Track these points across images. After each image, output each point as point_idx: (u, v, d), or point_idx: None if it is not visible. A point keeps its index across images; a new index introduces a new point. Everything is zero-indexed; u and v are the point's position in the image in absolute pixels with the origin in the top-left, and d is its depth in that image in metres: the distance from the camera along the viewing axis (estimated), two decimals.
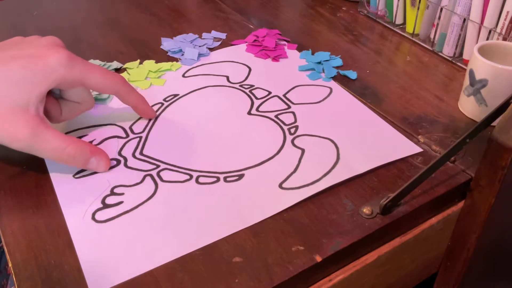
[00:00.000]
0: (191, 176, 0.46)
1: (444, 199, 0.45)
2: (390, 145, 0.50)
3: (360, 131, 0.51)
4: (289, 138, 0.50)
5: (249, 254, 0.39)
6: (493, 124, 0.45)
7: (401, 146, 0.49)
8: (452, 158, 0.48)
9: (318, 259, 0.38)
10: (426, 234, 0.46)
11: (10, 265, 0.38)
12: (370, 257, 0.42)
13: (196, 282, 0.37)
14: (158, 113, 0.54)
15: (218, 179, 0.45)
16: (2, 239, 0.40)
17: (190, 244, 0.39)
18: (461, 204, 0.47)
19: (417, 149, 0.49)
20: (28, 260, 0.38)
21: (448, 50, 0.64)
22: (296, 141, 0.50)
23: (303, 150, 0.49)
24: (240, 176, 0.46)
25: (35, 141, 0.41)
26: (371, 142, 0.50)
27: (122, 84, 0.47)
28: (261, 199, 0.43)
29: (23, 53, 0.42)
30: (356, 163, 0.47)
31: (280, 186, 0.45)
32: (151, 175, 0.46)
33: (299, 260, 0.38)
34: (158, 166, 0.47)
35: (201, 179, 0.45)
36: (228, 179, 0.45)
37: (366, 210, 0.42)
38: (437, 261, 0.51)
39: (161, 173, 0.46)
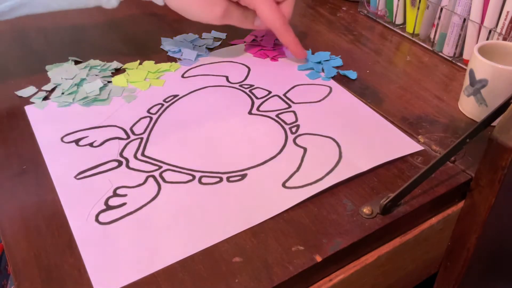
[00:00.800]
0: (193, 177, 0.46)
1: (444, 199, 0.45)
2: (391, 143, 0.50)
3: (361, 129, 0.52)
4: (290, 137, 0.50)
5: (249, 254, 0.39)
6: (493, 124, 0.45)
7: (402, 144, 0.50)
8: (452, 158, 0.48)
9: (318, 259, 0.38)
10: (426, 234, 0.46)
11: (10, 265, 0.38)
12: (370, 257, 0.42)
13: (196, 282, 0.37)
14: (158, 114, 0.54)
15: (221, 179, 0.45)
16: (2, 239, 0.40)
17: (195, 245, 0.39)
18: (461, 204, 0.47)
19: (418, 147, 0.49)
20: (28, 260, 0.38)
21: (448, 50, 0.64)
22: (298, 140, 0.50)
23: (305, 149, 0.49)
24: (243, 176, 0.46)
25: (227, 17, 0.56)
26: (372, 140, 0.50)
27: (281, 24, 0.57)
28: (265, 199, 0.43)
29: None
30: (359, 161, 0.47)
31: (284, 185, 0.45)
32: (153, 176, 0.46)
33: (299, 260, 0.38)
34: (160, 167, 0.47)
35: (204, 180, 0.45)
36: (231, 179, 0.45)
37: (366, 210, 0.42)
38: (437, 261, 0.51)
39: (164, 174, 0.46)
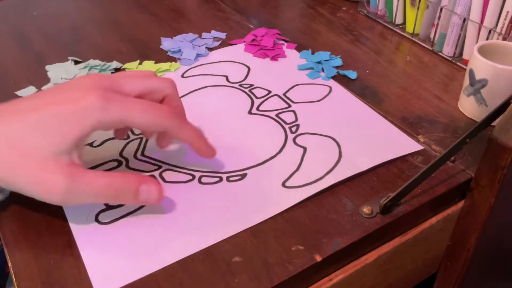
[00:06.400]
0: (193, 177, 0.46)
1: (444, 199, 0.45)
2: (391, 142, 0.50)
3: (360, 128, 0.52)
4: (290, 136, 0.50)
5: (249, 254, 0.39)
6: (493, 124, 0.45)
7: (402, 143, 0.50)
8: (452, 158, 0.48)
9: (318, 258, 0.38)
10: (426, 234, 0.46)
11: (10, 265, 0.38)
12: (370, 257, 0.42)
13: (196, 282, 0.37)
14: None
15: (220, 179, 0.45)
16: (2, 240, 0.40)
17: (194, 245, 0.39)
18: (461, 204, 0.47)
19: (418, 147, 0.49)
20: (28, 260, 0.38)
21: (448, 50, 0.64)
22: (297, 140, 0.50)
23: (305, 149, 0.49)
24: (243, 176, 0.46)
25: (74, 188, 0.36)
26: (372, 139, 0.50)
27: (170, 119, 0.40)
28: (265, 198, 0.43)
29: (56, 99, 0.37)
30: (359, 161, 0.47)
31: (283, 185, 0.45)
32: (153, 176, 0.46)
33: (299, 260, 0.38)
34: (160, 167, 0.47)
35: (203, 179, 0.45)
36: (231, 178, 0.45)
37: (366, 209, 0.42)
38: (437, 261, 0.51)
39: (164, 174, 0.46)
